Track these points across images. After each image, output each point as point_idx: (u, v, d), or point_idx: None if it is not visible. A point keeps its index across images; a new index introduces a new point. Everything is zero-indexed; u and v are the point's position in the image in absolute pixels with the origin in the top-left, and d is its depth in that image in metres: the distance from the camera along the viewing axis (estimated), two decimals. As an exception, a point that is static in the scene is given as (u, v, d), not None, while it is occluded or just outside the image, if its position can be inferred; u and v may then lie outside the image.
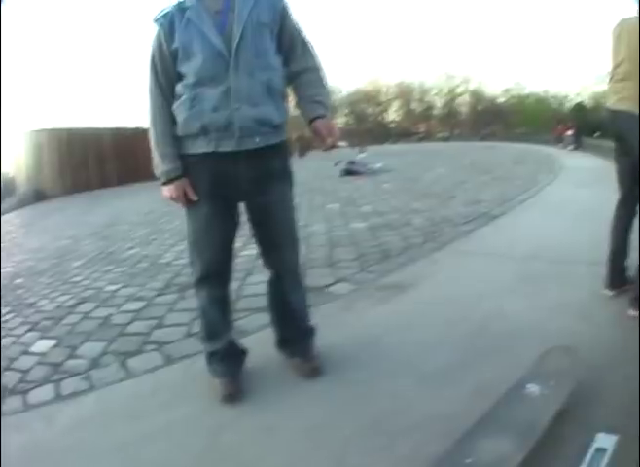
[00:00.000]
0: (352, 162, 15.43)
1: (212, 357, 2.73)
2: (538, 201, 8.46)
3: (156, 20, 2.43)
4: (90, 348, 3.46)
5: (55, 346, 3.60)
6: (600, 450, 1.91)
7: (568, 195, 9.18)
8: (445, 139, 56.19)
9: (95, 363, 3.21)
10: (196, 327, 3.23)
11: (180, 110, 2.41)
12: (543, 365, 2.44)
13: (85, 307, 4.44)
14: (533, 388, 2.23)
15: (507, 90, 70.20)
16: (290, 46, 2.55)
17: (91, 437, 2.42)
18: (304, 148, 31.32)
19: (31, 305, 4.79)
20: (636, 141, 3.26)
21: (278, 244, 2.66)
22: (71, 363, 3.27)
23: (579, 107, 55.29)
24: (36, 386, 2.98)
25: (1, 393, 2.88)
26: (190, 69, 2.36)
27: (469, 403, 2.30)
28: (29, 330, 4.02)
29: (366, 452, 2.11)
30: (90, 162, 22.77)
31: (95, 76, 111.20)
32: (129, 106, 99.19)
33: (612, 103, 3.43)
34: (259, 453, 2.18)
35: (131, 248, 7.13)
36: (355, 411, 2.41)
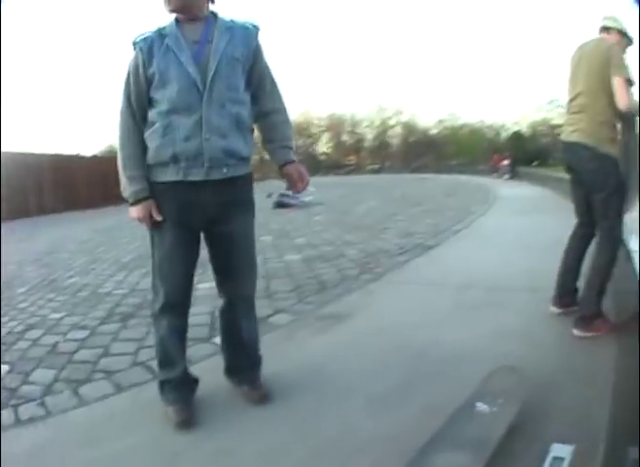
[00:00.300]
0: (284, 195, 15.55)
1: (166, 385, 2.77)
2: (472, 232, 8.84)
3: (135, 43, 2.53)
4: (42, 375, 3.47)
5: (9, 372, 3.59)
6: (557, 459, 2.06)
7: (502, 224, 9.63)
8: (376, 171, 57.33)
9: (49, 390, 3.22)
10: (142, 356, 3.35)
11: (152, 137, 2.51)
12: (490, 384, 2.59)
13: (33, 334, 4.43)
14: (482, 406, 2.36)
15: (440, 122, 72.21)
16: (259, 84, 2.70)
17: (50, 463, 2.45)
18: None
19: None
20: (587, 173, 3.56)
21: (237, 273, 2.76)
22: (26, 389, 3.28)
23: (516, 136, 57.70)
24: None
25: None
26: (164, 96, 2.47)
27: (418, 423, 2.43)
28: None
29: None
30: (29, 189, 22.12)
31: (35, 100, 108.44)
32: (68, 132, 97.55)
33: (566, 135, 3.74)
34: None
35: (71, 277, 7.07)
36: (306, 434, 2.49)
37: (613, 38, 3.62)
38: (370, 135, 73.26)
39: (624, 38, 3.64)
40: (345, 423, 2.57)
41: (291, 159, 2.76)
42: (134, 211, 2.58)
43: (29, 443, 2.62)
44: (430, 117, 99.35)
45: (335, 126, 70.90)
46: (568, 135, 3.70)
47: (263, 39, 2.67)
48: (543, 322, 3.80)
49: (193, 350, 3.51)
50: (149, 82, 2.50)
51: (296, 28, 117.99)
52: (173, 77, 2.45)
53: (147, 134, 2.53)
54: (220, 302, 2.91)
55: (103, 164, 26.88)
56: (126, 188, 2.57)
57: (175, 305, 2.68)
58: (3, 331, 4.58)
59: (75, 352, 3.89)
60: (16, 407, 3.01)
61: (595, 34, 3.72)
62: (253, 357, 2.93)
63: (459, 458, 2.04)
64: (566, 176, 3.96)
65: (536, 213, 11.00)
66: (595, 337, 3.40)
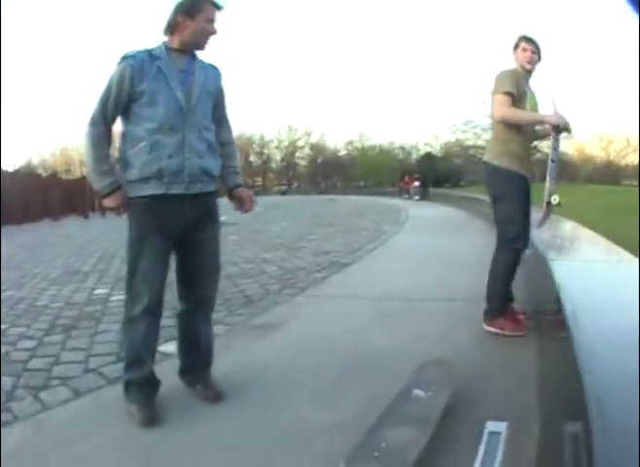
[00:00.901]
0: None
1: (131, 384, 2.96)
2: (385, 249, 9.36)
3: (125, 58, 2.76)
4: (2, 382, 3.53)
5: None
6: (494, 434, 2.43)
7: (414, 242, 10.16)
8: (283, 192, 57.70)
9: (11, 396, 3.31)
10: (92, 364, 3.63)
11: (139, 154, 2.75)
12: (422, 375, 2.97)
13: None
14: (418, 392, 2.73)
15: (349, 143, 73.54)
16: (219, 118, 3.08)
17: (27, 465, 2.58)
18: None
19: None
20: (488, 187, 4.01)
21: (203, 279, 3.05)
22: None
23: (428, 156, 59.22)
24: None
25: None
26: (153, 115, 2.74)
27: (362, 411, 2.76)
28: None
29: (285, 457, 2.48)
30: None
31: None
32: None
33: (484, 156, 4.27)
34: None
35: (5, 290, 6.94)
36: (263, 427, 2.75)
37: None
38: (278, 156, 73.96)
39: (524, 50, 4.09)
40: (297, 415, 2.86)
41: (240, 183, 3.16)
42: (111, 201, 2.83)
43: (4, 446, 2.70)
44: (339, 138, 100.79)
45: (243, 147, 71.37)
46: (484, 156, 4.20)
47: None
48: (460, 326, 4.20)
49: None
50: (132, 97, 2.75)
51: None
52: (163, 99, 2.74)
53: (134, 151, 2.76)
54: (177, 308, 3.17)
55: (23, 180, 26.73)
56: (98, 182, 2.81)
57: (155, 308, 2.90)
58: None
59: (28, 361, 3.98)
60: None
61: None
62: (207, 358, 3.19)
63: (405, 433, 2.38)
64: (476, 196, 4.43)
65: (446, 231, 11.64)
66: (510, 336, 3.87)
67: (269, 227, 15.16)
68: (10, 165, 58.92)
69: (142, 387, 2.97)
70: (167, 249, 2.92)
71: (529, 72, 4.10)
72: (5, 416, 3.02)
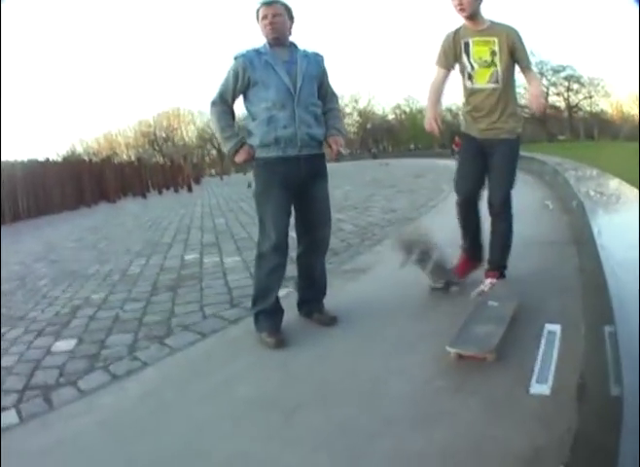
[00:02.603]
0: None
1: (260, 315, 3.70)
2: (446, 205, 9.85)
3: (237, 57, 3.56)
4: (119, 339, 4.16)
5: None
6: (551, 333, 3.23)
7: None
8: (337, 160, 57.67)
9: (133, 347, 3.90)
10: (209, 311, 4.49)
11: (259, 126, 3.54)
12: (495, 291, 3.84)
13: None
14: (493, 303, 3.55)
15: (397, 107, 72.98)
16: (324, 93, 3.81)
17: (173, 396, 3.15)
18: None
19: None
20: None
21: (318, 223, 3.80)
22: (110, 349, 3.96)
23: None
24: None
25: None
26: (268, 96, 3.50)
27: (449, 322, 3.54)
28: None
29: (398, 363, 3.18)
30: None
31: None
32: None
33: None
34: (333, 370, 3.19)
35: (87, 268, 7.73)
36: (372, 342, 3.50)
37: None
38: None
39: None
40: (398, 330, 3.62)
41: (333, 133, 3.77)
42: (240, 155, 3.60)
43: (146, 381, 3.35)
44: (387, 102, 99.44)
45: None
46: None
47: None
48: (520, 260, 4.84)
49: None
50: (249, 84, 3.54)
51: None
52: (273, 84, 3.50)
53: (254, 125, 3.56)
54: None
55: (71, 168, 27.38)
56: (228, 144, 3.61)
57: (281, 245, 3.63)
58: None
59: (141, 318, 4.65)
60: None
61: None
62: (323, 290, 3.99)
63: (487, 328, 3.21)
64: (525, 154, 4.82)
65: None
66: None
67: (334, 191, 15.46)
68: (54, 155, 59.99)
69: (270, 315, 3.69)
70: (288, 200, 3.65)
71: (469, 19, 3.90)
72: (132, 365, 3.56)
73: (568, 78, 62.51)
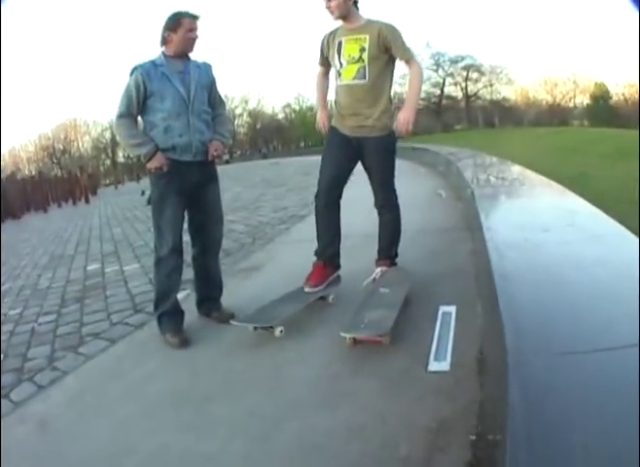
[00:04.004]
0: (152, 191, 16.11)
1: (163, 317, 3.79)
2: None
3: (135, 68, 3.57)
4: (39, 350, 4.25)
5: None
6: (446, 314, 3.35)
7: (360, 192, 10.87)
8: (226, 162, 57.45)
9: (51, 358, 3.99)
10: (116, 319, 4.59)
11: (157, 135, 3.60)
12: (386, 277, 3.87)
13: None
14: (384, 290, 3.57)
15: (287, 106, 73.43)
16: (213, 100, 3.90)
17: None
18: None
19: None
20: None
21: (210, 224, 3.91)
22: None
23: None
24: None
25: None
26: (164, 107, 3.57)
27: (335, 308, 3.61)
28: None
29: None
30: None
31: None
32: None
33: None
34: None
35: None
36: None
37: None
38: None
39: None
40: (295, 324, 3.64)
41: (215, 138, 3.81)
42: (154, 161, 3.58)
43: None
44: (276, 101, 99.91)
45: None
46: None
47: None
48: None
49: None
50: (146, 96, 3.56)
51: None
52: (169, 94, 3.57)
53: (153, 133, 3.60)
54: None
55: None
56: (140, 150, 3.59)
57: (178, 249, 3.71)
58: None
59: (55, 330, 4.73)
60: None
61: None
62: (219, 289, 4.07)
63: (381, 313, 3.26)
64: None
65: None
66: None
67: (224, 194, 15.06)
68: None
69: (172, 317, 3.78)
70: (182, 204, 3.71)
71: (343, 19, 3.91)
72: (54, 374, 3.66)
73: (467, 67, 64.00)
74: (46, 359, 3.99)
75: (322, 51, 4.10)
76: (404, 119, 3.81)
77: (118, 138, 3.81)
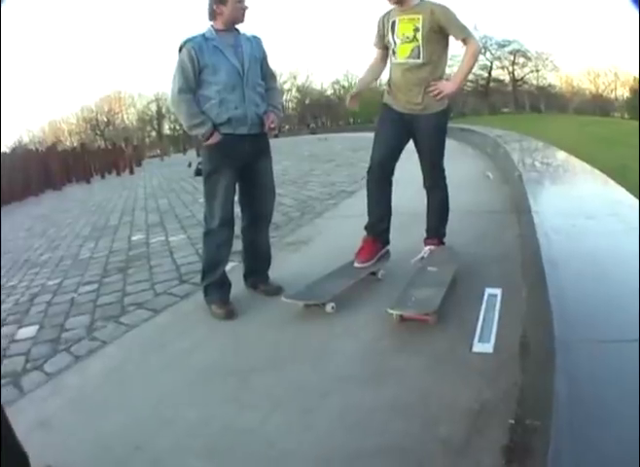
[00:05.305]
0: (201, 163, 16.18)
1: (209, 288, 3.81)
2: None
3: (186, 42, 3.55)
4: (78, 320, 4.23)
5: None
6: (492, 296, 3.33)
7: (409, 169, 10.81)
8: (275, 136, 57.56)
9: (91, 328, 3.97)
10: (160, 289, 4.56)
11: (212, 108, 3.58)
12: (434, 256, 3.84)
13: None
14: (432, 269, 3.56)
15: (336, 82, 73.05)
16: (265, 73, 3.86)
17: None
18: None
19: None
20: None
21: (261, 196, 3.91)
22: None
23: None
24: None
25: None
26: (218, 79, 3.56)
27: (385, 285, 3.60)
28: None
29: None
30: None
31: None
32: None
33: None
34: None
35: (42, 255, 7.73)
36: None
37: None
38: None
39: None
40: (343, 300, 3.62)
41: (270, 110, 3.79)
42: (213, 139, 3.58)
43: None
44: (325, 78, 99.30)
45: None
46: None
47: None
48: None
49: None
50: (200, 70, 3.54)
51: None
52: (222, 67, 3.56)
53: (207, 106, 3.58)
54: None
55: (22, 158, 27.48)
56: (198, 129, 3.59)
57: (229, 221, 3.75)
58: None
59: (95, 300, 4.73)
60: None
61: None
62: (267, 261, 4.08)
63: (429, 292, 3.26)
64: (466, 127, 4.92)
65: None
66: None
67: (273, 167, 15.69)
68: (4, 147, 58.77)
69: (219, 288, 3.79)
70: (235, 177, 3.71)
71: (399, 3, 3.91)
72: (93, 345, 3.65)
73: (514, 52, 62.97)
74: (85, 329, 3.98)
75: (377, 32, 4.10)
76: (444, 86, 3.87)
77: (177, 114, 3.81)
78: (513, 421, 2.12)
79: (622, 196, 4.09)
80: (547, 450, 1.36)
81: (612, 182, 4.90)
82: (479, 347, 2.79)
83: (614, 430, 1.38)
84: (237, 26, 3.73)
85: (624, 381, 1.57)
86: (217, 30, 3.63)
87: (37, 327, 4.26)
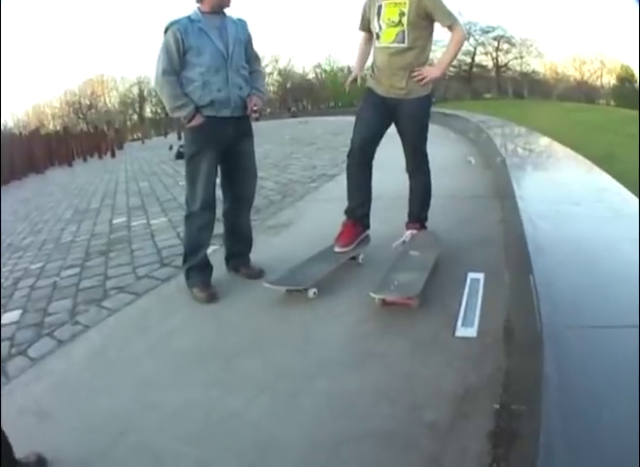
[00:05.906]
0: (183, 146, 16.05)
1: (190, 271, 3.78)
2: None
3: (171, 24, 3.51)
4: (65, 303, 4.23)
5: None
6: (474, 280, 3.32)
7: (391, 154, 10.81)
8: (256, 119, 57.25)
9: (73, 313, 3.96)
10: (141, 272, 4.48)
11: (195, 91, 3.54)
12: (417, 240, 3.85)
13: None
14: (414, 253, 3.54)
15: (318, 66, 72.71)
16: (249, 56, 3.82)
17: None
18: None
19: None
20: None
21: (243, 179, 3.89)
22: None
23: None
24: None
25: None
26: (202, 61, 3.51)
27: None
28: None
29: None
30: None
31: None
32: None
33: None
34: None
35: (25, 238, 7.68)
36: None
37: None
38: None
39: None
40: (325, 283, 3.62)
41: (253, 93, 3.76)
42: (195, 121, 3.55)
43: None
44: (307, 61, 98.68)
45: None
46: None
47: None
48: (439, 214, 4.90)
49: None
50: (184, 51, 3.49)
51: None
52: (207, 49, 3.52)
53: (191, 88, 3.54)
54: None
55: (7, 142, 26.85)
56: (180, 111, 3.55)
57: (211, 204, 3.71)
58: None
59: (78, 283, 4.71)
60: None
61: None
62: (249, 244, 4.05)
63: (411, 276, 3.25)
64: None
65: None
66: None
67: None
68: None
69: (200, 271, 3.76)
70: (217, 160, 3.67)
71: None
72: (75, 329, 3.63)
73: (498, 38, 62.87)
74: (67, 313, 3.96)
75: (363, 14, 4.08)
76: (428, 71, 3.87)
77: (160, 96, 3.75)
78: (498, 406, 2.12)
79: (608, 183, 4.09)
80: (535, 436, 1.36)
81: (597, 168, 4.91)
82: (462, 332, 2.79)
83: (605, 413, 1.38)
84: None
85: (614, 367, 1.58)
86: (203, 12, 3.59)
87: (21, 311, 4.24)
